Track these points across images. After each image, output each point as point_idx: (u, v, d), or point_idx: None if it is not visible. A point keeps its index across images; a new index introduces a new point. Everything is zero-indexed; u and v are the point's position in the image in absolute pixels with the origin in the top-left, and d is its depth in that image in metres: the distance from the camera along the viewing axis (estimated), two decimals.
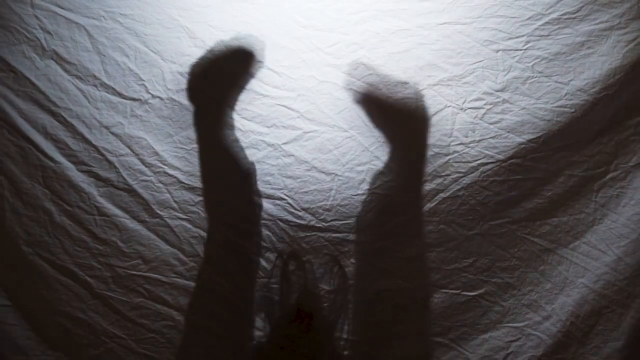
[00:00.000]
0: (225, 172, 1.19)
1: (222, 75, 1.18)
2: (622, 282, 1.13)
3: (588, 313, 1.15)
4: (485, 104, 1.18)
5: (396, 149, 1.19)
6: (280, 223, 1.19)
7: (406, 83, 1.18)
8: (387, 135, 1.19)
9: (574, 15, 1.16)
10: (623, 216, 1.16)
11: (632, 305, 1.12)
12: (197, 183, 1.18)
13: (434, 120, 1.18)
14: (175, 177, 1.18)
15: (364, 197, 1.19)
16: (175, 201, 1.18)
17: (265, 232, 1.19)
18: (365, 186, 1.19)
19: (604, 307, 1.14)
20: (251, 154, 1.19)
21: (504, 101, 1.18)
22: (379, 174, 1.19)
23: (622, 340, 1.12)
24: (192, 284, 1.18)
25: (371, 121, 1.19)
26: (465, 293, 1.18)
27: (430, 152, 1.18)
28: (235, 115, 1.19)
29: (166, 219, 1.18)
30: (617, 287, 1.14)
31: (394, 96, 1.18)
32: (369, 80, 1.18)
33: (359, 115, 1.19)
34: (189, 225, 1.18)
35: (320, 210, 1.19)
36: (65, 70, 1.17)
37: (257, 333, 1.19)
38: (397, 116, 1.19)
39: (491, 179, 1.19)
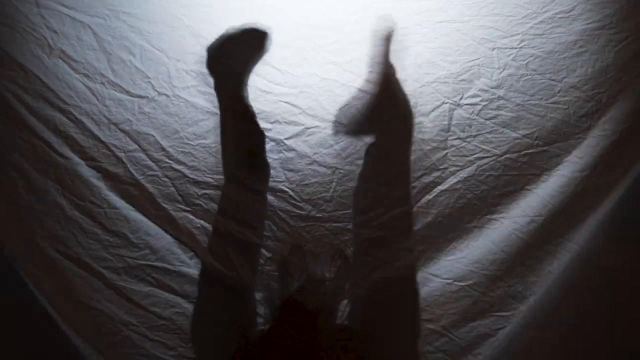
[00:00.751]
0: (229, 166, 1.28)
1: (227, 71, 1.26)
2: (590, 270, 1.22)
3: (555, 298, 1.24)
4: (481, 101, 1.27)
5: (395, 143, 1.29)
6: (281, 213, 1.28)
7: (405, 80, 1.27)
8: (386, 130, 1.28)
9: (567, 15, 1.24)
10: (603, 215, 1.24)
11: (579, 285, 1.23)
12: (202, 177, 1.27)
13: (432, 116, 1.27)
14: (180, 172, 1.27)
15: (363, 189, 1.28)
16: (180, 194, 1.27)
17: (266, 222, 1.28)
18: (364, 179, 1.28)
19: (570, 291, 1.23)
20: (254, 148, 1.28)
21: (499, 98, 1.27)
22: (379, 167, 1.29)
23: (573, 318, 1.23)
24: (196, 272, 1.27)
25: (371, 117, 1.28)
26: (457, 283, 1.28)
27: (428, 147, 1.27)
28: (239, 112, 1.27)
29: (171, 211, 1.26)
30: (584, 273, 1.23)
31: (393, 93, 1.27)
32: (369, 78, 1.26)
33: (359, 112, 1.28)
34: (192, 217, 1.27)
35: (320, 202, 1.29)
36: (73, 69, 1.24)
37: (260, 319, 1.29)
38: (396, 112, 1.28)
39: (487, 173, 1.28)
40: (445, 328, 1.28)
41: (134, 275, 1.26)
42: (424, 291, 1.28)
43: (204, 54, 1.25)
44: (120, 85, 1.25)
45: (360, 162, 1.28)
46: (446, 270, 1.29)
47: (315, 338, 1.26)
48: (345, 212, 1.29)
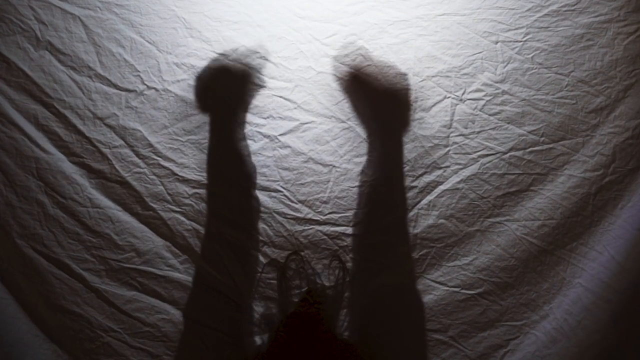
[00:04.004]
0: (221, 163, 1.26)
1: (219, 66, 1.25)
2: (609, 278, 1.20)
3: (579, 309, 1.21)
4: (484, 95, 1.26)
5: (394, 140, 1.26)
6: (277, 216, 1.26)
7: (405, 74, 1.26)
8: (385, 127, 1.27)
9: (573, 8, 1.24)
10: (620, 218, 1.22)
11: (614, 300, 1.19)
12: (192, 175, 1.25)
13: (433, 111, 1.25)
14: (169, 169, 1.25)
15: (362, 189, 1.26)
16: (169, 193, 1.24)
17: (261, 225, 1.25)
18: (363, 178, 1.26)
19: (592, 303, 1.20)
20: (247, 145, 1.26)
21: (504, 92, 1.25)
22: (378, 166, 1.26)
23: (602, 332, 1.19)
24: (186, 277, 1.24)
25: (369, 112, 1.26)
26: (464, 291, 1.25)
27: (429, 144, 1.26)
28: (231, 107, 1.26)
29: (159, 212, 1.24)
30: (604, 283, 1.20)
31: (393, 87, 1.26)
32: (367, 71, 1.26)
33: (357, 107, 1.26)
34: (182, 218, 1.24)
35: (317, 203, 1.26)
36: (60, 61, 1.24)
37: (254, 329, 1.25)
38: (395, 107, 1.26)
39: (491, 172, 1.26)
40: (453, 338, 1.25)
41: (116, 278, 1.23)
42: (429, 300, 1.25)
43: (197, 46, 1.25)
44: (107, 79, 1.25)
45: (358, 159, 1.26)
46: (452, 278, 1.26)
47: (322, 349, 1.22)
48: (343, 214, 1.27)
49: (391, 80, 1.26)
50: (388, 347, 1.25)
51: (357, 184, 1.26)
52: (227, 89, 1.26)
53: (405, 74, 1.25)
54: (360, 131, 1.26)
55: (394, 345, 1.25)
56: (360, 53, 1.25)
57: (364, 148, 1.26)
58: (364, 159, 1.26)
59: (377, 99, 1.26)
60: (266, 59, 1.25)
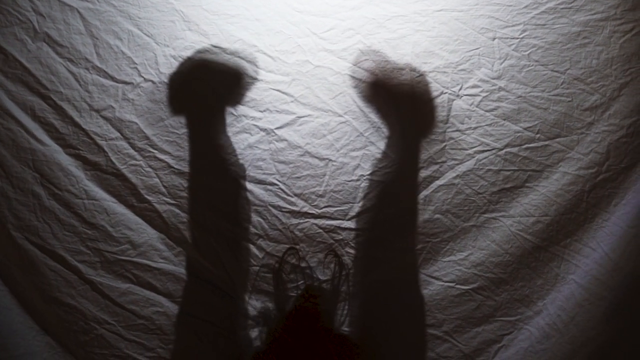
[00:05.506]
0: (216, 156, 1.27)
1: (217, 60, 1.26)
2: (603, 275, 1.22)
3: (572, 306, 1.23)
4: (481, 92, 1.27)
5: (391, 135, 1.27)
6: (272, 209, 1.27)
7: (402, 69, 1.27)
8: (382, 121, 1.28)
9: (570, 5, 1.26)
10: (614, 215, 1.24)
11: (608, 297, 1.21)
12: (188, 168, 1.26)
13: (429, 107, 1.27)
14: (165, 162, 1.26)
15: (358, 183, 1.28)
16: (164, 186, 1.26)
17: (256, 218, 1.27)
18: (359, 172, 1.27)
19: (585, 300, 1.23)
20: (243, 139, 1.27)
21: (500, 89, 1.27)
22: (374, 160, 1.27)
23: (596, 329, 1.21)
24: (181, 270, 1.25)
25: (366, 107, 1.28)
26: (459, 286, 1.27)
27: (425, 139, 1.28)
28: (228, 100, 1.27)
29: (154, 204, 1.25)
30: (598, 280, 1.22)
31: (390, 82, 1.27)
32: (365, 66, 1.27)
33: (354, 101, 1.27)
34: (177, 211, 1.26)
35: (313, 196, 1.28)
36: (57, 53, 1.24)
37: (249, 322, 1.26)
38: (392, 102, 1.27)
39: (487, 167, 1.27)
40: (447, 333, 1.27)
41: (111, 270, 1.25)
42: (424, 294, 1.27)
43: (194, 39, 1.26)
44: (104, 71, 1.26)
45: (354, 154, 1.28)
46: (447, 273, 1.28)
47: (319, 343, 1.23)
48: (338, 208, 1.28)
49: (388, 75, 1.27)
50: (385, 341, 1.26)
51: (353, 178, 1.28)
52: (224, 82, 1.27)
53: (402, 69, 1.27)
54: (357, 125, 1.28)
55: (390, 339, 1.27)
56: (358, 48, 1.27)
57: (360, 142, 1.28)
58: (360, 153, 1.28)
59: (374, 94, 1.27)
60: (263, 53, 1.26)
